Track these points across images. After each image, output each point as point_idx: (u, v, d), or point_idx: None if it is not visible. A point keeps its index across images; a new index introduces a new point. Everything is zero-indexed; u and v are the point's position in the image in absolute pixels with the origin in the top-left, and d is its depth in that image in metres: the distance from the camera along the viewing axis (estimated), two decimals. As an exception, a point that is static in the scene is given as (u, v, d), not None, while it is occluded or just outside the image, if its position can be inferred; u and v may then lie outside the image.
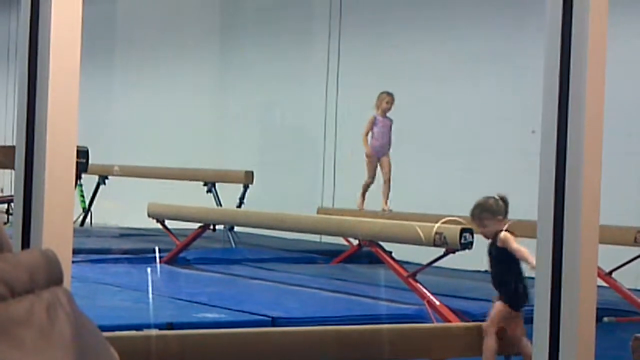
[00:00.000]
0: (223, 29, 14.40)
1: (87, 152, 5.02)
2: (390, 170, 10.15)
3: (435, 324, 5.82)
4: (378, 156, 10.19)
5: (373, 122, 10.18)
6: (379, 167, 10.28)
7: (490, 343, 5.06)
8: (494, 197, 5.23)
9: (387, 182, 10.15)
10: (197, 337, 4.90)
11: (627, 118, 9.73)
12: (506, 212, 5.21)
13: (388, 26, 12.22)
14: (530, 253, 4.93)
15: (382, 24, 12.31)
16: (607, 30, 2.18)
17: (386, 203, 10.09)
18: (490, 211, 5.17)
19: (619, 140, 9.75)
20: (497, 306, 5.11)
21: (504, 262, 5.17)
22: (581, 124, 2.16)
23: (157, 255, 9.05)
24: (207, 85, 14.72)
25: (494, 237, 5.17)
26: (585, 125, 2.14)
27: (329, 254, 10.65)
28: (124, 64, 15.80)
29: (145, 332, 5.35)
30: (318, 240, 12.03)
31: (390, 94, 10.18)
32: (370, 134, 10.22)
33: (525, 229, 8.64)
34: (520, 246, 5.08)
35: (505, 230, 5.15)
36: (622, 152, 9.72)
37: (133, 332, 5.09)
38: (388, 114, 10.19)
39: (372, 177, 10.28)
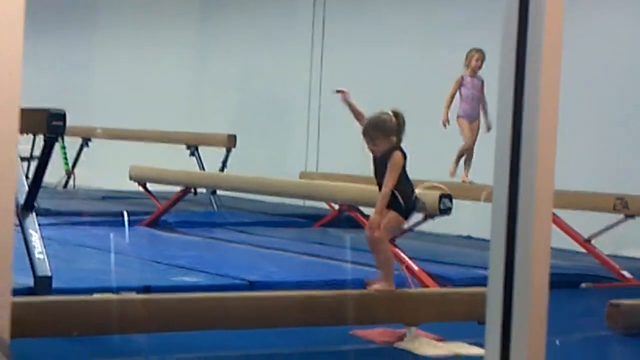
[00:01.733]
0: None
1: (63, 115, 4.94)
2: (476, 138, 9.10)
3: (413, 289, 5.83)
4: (469, 120, 9.12)
5: (460, 83, 9.11)
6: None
7: (389, 250, 5.10)
8: (387, 114, 4.99)
9: (470, 150, 9.13)
10: (173, 300, 4.91)
11: (611, 87, 9.72)
12: (400, 129, 4.98)
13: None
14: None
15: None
16: None
17: (467, 175, 9.16)
18: (383, 130, 4.93)
19: (602, 109, 9.77)
20: (396, 218, 4.97)
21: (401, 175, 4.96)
22: (537, 88, 2.16)
23: (126, 218, 9.04)
24: (191, 48, 14.64)
25: (386, 155, 4.93)
26: (541, 90, 2.13)
27: (311, 218, 10.68)
28: (108, 26, 15.69)
29: (122, 295, 5.36)
30: (301, 204, 12.06)
31: (480, 51, 9.03)
32: (459, 96, 9.16)
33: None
34: (391, 183, 4.89)
35: (400, 151, 4.94)
36: (605, 121, 9.74)
37: (110, 295, 5.10)
38: (479, 73, 9.12)
39: (468, 141, 9.10)
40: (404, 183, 4.96)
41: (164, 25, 14.97)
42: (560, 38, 2.14)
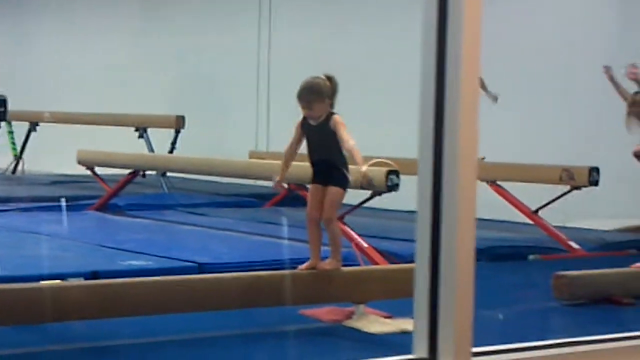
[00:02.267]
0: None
1: (4, 100, 4.90)
2: None
3: (362, 267, 5.85)
4: None
5: None
6: None
7: (338, 228, 5.11)
8: (320, 77, 4.95)
9: None
10: (119, 285, 4.89)
11: (561, 60, 9.78)
12: (334, 93, 4.95)
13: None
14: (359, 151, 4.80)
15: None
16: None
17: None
18: (318, 92, 4.89)
19: (552, 81, 9.83)
20: (339, 192, 4.96)
21: (332, 144, 4.92)
22: (458, 61, 2.18)
23: (64, 203, 8.98)
24: (137, 29, 14.51)
25: (324, 119, 4.90)
26: (462, 62, 2.15)
27: (262, 198, 10.66)
28: (51, 9, 15.53)
29: (68, 281, 5.34)
30: (252, 183, 12.03)
31: None
32: None
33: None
34: (350, 138, 4.85)
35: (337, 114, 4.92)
36: (554, 92, 9.80)
37: (57, 282, 5.08)
38: None
39: None
40: (341, 155, 4.96)
41: (109, 4, 14.82)
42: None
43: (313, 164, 5.05)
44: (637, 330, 3.45)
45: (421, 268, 2.37)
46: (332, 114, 4.93)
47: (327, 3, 11.98)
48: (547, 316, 5.50)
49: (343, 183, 4.95)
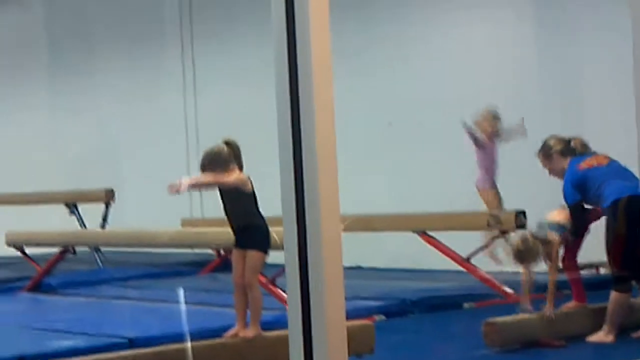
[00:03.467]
0: (73, 45, 14.11)
1: None
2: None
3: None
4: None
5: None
6: None
7: (259, 294, 5.09)
8: (219, 145, 4.95)
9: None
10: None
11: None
12: (237, 156, 4.95)
13: (239, 24, 12.16)
14: None
15: (234, 21, 12.25)
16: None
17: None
18: (218, 162, 4.91)
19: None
20: (258, 256, 4.98)
21: (246, 207, 4.95)
22: (312, 123, 2.20)
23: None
24: (63, 103, 14.41)
25: (232, 185, 4.90)
26: (316, 124, 2.18)
27: (198, 265, 10.59)
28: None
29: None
30: (187, 252, 11.94)
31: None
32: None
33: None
34: None
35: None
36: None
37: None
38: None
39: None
40: (258, 216, 4.96)
41: (32, 81, 14.71)
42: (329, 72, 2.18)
43: (232, 229, 5.04)
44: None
45: (295, 334, 2.35)
46: (239, 177, 4.93)
47: (250, 59, 11.96)
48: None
49: (262, 246, 4.95)
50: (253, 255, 4.96)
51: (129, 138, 13.33)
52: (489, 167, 8.29)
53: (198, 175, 5.02)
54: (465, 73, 9.92)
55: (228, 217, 5.03)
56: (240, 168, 4.96)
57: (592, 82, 9.12)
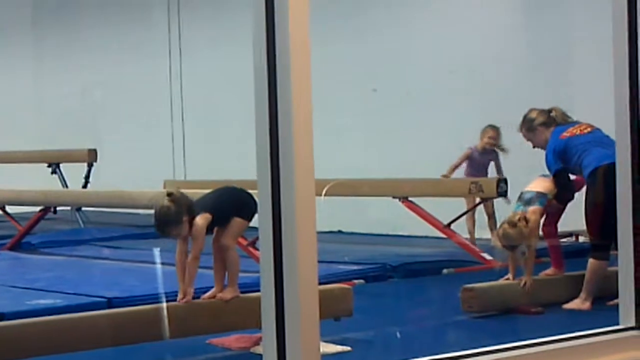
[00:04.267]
0: (58, 4, 14.02)
1: None
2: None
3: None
4: None
5: (468, 157, 8.55)
6: None
7: (235, 256, 5.13)
8: (164, 205, 4.91)
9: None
10: (24, 326, 4.81)
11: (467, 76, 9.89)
12: (189, 208, 4.94)
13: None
14: None
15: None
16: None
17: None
18: (169, 224, 4.91)
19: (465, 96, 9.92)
20: (241, 223, 5.04)
21: (220, 206, 5.07)
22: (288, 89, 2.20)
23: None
24: (47, 63, 14.34)
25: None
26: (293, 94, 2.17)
27: (180, 227, 10.57)
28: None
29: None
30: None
31: (495, 128, 8.46)
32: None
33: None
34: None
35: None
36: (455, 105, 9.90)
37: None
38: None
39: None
40: (240, 199, 5.04)
41: (14, 40, 14.62)
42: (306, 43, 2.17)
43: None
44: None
45: (267, 296, 2.36)
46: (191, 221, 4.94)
47: (235, 22, 11.90)
48: (452, 329, 5.53)
49: (247, 215, 5.01)
50: (236, 221, 5.02)
51: (113, 99, 13.28)
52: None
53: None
54: (454, 40, 9.90)
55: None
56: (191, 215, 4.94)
57: (580, 50, 9.12)
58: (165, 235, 4.99)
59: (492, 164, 8.52)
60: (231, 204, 5.09)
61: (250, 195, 5.04)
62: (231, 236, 5.01)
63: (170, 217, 4.89)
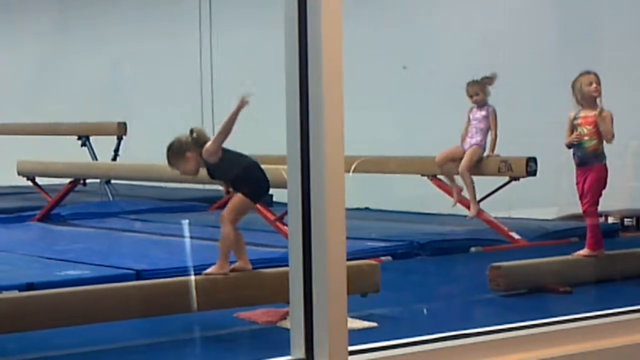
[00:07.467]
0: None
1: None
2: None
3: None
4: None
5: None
6: None
7: (227, 231, 5.13)
8: (181, 136, 5.05)
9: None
10: (53, 296, 4.86)
11: (499, 53, 9.83)
12: (201, 142, 5.01)
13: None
14: None
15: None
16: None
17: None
18: (176, 152, 5.02)
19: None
20: (243, 200, 5.06)
21: (234, 165, 5.08)
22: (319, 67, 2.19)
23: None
24: (78, 35, 14.39)
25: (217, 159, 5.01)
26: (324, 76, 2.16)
27: (209, 201, 10.62)
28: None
29: (3, 294, 5.29)
30: (198, 187, 11.98)
31: (477, 82, 8.10)
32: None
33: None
34: None
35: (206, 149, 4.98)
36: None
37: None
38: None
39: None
40: (251, 170, 5.04)
41: (43, 12, 14.67)
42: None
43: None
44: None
45: (295, 271, 2.36)
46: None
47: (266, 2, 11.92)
48: (478, 307, 5.53)
49: (251, 194, 5.00)
50: (240, 196, 5.04)
51: (143, 73, 13.31)
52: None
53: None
54: (482, 18, 9.85)
55: (223, 183, 5.31)
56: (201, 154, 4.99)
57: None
58: (173, 167, 5.07)
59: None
60: (244, 177, 5.07)
61: (266, 179, 5.06)
62: (230, 210, 5.04)
63: (174, 148, 5.02)
